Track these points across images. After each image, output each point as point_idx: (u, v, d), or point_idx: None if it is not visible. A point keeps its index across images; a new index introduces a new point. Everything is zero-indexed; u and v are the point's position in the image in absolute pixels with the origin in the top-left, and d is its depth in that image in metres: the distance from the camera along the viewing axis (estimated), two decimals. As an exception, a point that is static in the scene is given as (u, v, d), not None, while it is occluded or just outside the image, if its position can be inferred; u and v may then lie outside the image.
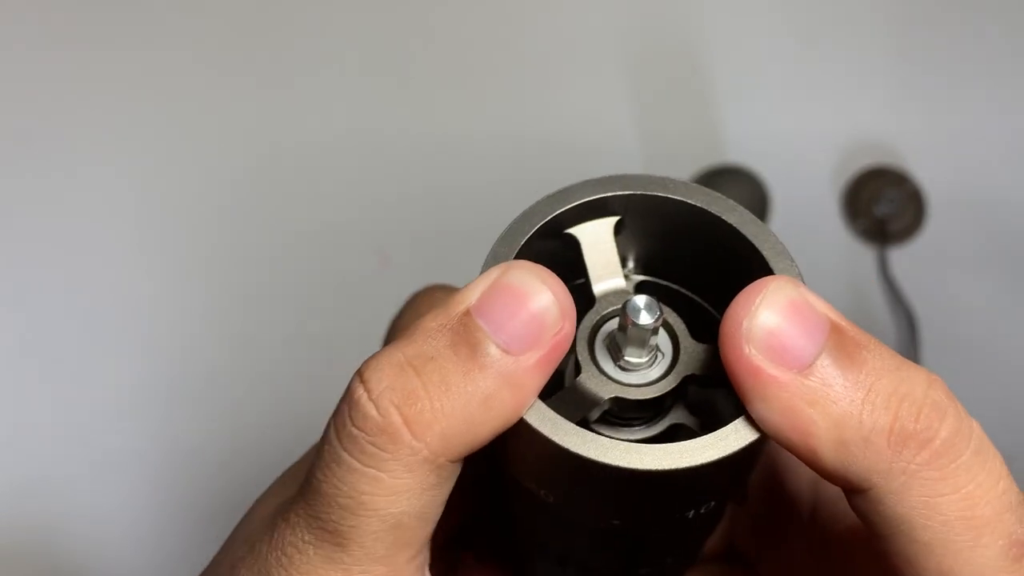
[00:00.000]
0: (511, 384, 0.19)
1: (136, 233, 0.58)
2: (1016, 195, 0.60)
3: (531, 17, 0.62)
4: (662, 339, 0.22)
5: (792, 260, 0.21)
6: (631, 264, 0.23)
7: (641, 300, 0.20)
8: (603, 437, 0.19)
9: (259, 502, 0.26)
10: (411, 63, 0.61)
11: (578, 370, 0.21)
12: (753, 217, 0.22)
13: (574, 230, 0.22)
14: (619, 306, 0.22)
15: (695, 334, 0.22)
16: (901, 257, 0.59)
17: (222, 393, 0.56)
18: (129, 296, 0.57)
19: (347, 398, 0.19)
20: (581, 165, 0.60)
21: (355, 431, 0.19)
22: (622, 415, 0.22)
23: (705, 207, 0.22)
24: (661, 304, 0.21)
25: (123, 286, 0.57)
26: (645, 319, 0.20)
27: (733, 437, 0.19)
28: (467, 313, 0.19)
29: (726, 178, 0.57)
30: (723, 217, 0.21)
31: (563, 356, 0.19)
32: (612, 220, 0.22)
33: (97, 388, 0.56)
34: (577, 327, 0.21)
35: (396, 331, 0.30)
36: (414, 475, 0.19)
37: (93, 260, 0.57)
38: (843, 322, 0.19)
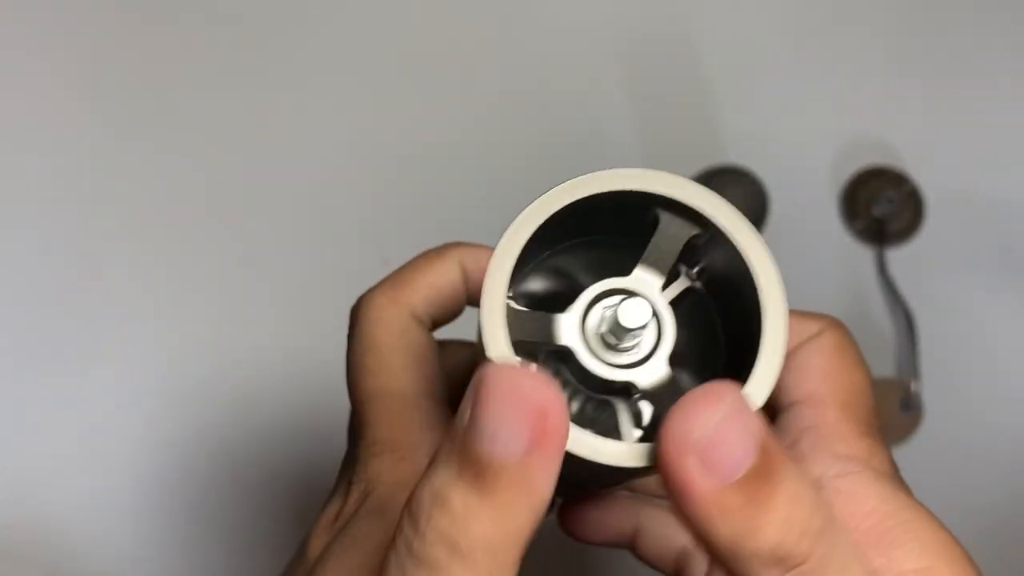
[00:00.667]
0: (525, 487, 0.20)
1: (136, 231, 0.58)
2: (1015, 195, 0.60)
3: (530, 18, 0.62)
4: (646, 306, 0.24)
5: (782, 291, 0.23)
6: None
7: (626, 315, 0.23)
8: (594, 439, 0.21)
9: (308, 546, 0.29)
10: (411, 63, 0.61)
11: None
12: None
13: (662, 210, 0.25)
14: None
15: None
16: (899, 257, 0.59)
17: (223, 393, 0.56)
18: (129, 295, 0.57)
19: (400, 523, 0.21)
20: (580, 165, 0.60)
21: (413, 558, 0.20)
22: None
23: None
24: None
25: (123, 285, 0.57)
26: (634, 321, 0.23)
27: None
28: (463, 433, 0.20)
29: (725, 178, 0.57)
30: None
31: (565, 435, 0.20)
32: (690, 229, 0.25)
33: (97, 388, 0.56)
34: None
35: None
36: None
37: (93, 259, 0.57)
38: (770, 443, 0.21)
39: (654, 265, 0.25)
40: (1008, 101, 0.62)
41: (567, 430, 0.20)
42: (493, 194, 0.59)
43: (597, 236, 0.27)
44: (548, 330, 0.24)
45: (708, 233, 0.24)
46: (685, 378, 0.26)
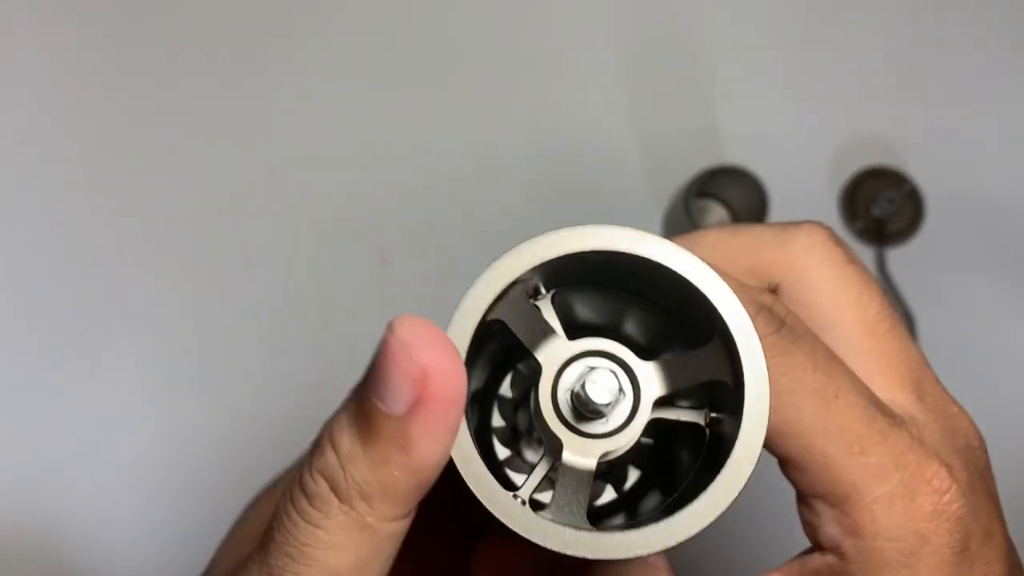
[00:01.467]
0: (402, 444, 0.21)
1: (136, 231, 0.58)
2: (1014, 195, 0.60)
3: (530, 18, 0.62)
4: (616, 368, 0.23)
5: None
6: (543, 289, 0.24)
7: (593, 386, 0.22)
8: (543, 522, 0.21)
9: (245, 519, 0.30)
10: (411, 64, 0.61)
11: (554, 443, 0.23)
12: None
13: (495, 314, 0.23)
14: (565, 362, 0.23)
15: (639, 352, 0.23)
16: (899, 257, 0.59)
17: (222, 393, 0.56)
18: (130, 295, 0.57)
19: (300, 470, 0.22)
20: (580, 165, 0.60)
21: (299, 494, 0.22)
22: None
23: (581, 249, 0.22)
24: (605, 352, 0.23)
25: (124, 284, 0.57)
26: (603, 395, 0.22)
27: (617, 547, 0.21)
28: (364, 382, 0.21)
29: (724, 178, 0.57)
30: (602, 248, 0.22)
31: (453, 403, 0.21)
32: (520, 286, 0.23)
33: (98, 388, 0.56)
34: (538, 398, 0.23)
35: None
36: (347, 533, 0.21)
37: (93, 258, 0.57)
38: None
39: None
40: (1007, 101, 0.62)
41: (455, 397, 0.20)
42: (493, 194, 0.59)
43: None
44: (578, 476, 0.23)
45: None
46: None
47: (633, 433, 0.23)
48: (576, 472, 0.23)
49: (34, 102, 0.59)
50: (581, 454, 0.23)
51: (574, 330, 0.24)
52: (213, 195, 0.59)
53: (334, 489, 0.21)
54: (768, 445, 0.24)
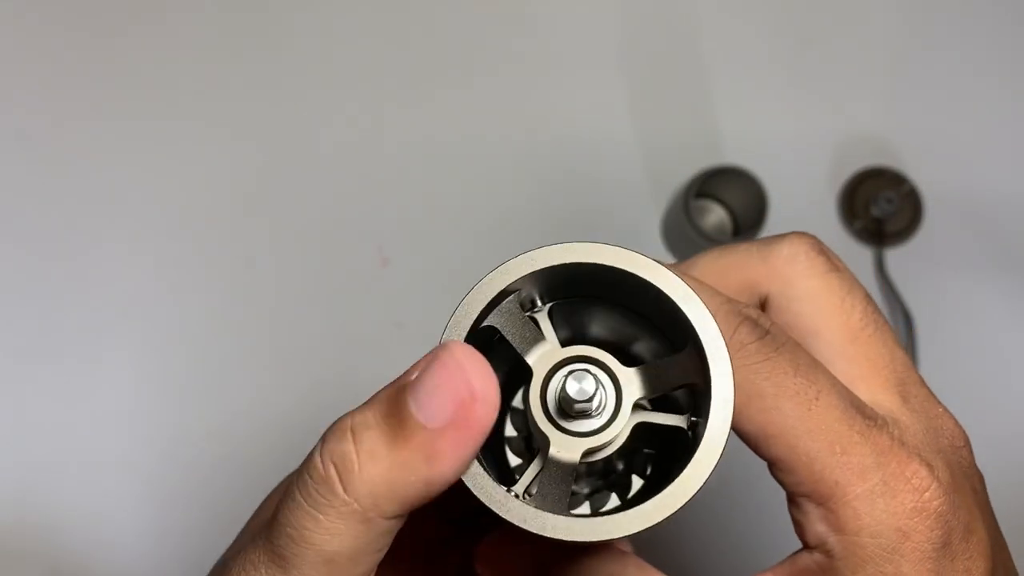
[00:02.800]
0: (430, 455, 0.22)
1: (137, 232, 0.58)
2: (1013, 195, 0.60)
3: (529, 18, 0.62)
4: (598, 372, 0.25)
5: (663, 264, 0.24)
6: (539, 302, 0.26)
7: (572, 386, 0.24)
8: (525, 508, 0.23)
9: (261, 507, 0.32)
10: (411, 64, 0.61)
11: (544, 442, 0.25)
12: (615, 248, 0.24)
13: (488, 321, 0.25)
14: (553, 366, 0.25)
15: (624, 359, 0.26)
16: (898, 257, 0.59)
17: (222, 392, 0.56)
18: (130, 295, 0.57)
19: (309, 456, 0.23)
20: (579, 166, 0.60)
21: (306, 477, 0.23)
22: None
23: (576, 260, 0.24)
24: (590, 358, 0.25)
25: (124, 285, 0.57)
26: (581, 394, 0.24)
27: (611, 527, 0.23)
28: (403, 388, 0.23)
29: (724, 178, 0.57)
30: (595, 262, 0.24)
31: (483, 432, 0.22)
32: (513, 296, 0.25)
33: (98, 388, 0.56)
34: (528, 399, 0.25)
35: None
36: (346, 522, 0.22)
37: (94, 259, 0.57)
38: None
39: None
40: (1006, 101, 0.62)
41: (487, 426, 0.22)
42: (493, 194, 0.59)
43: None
44: (562, 469, 0.25)
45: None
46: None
47: (614, 431, 0.25)
48: (561, 465, 0.25)
49: (35, 102, 0.60)
50: (566, 450, 0.25)
51: (570, 338, 0.27)
52: (213, 195, 0.59)
53: (343, 479, 0.22)
54: (756, 448, 0.26)
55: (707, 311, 0.23)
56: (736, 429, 0.26)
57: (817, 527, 0.25)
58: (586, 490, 0.32)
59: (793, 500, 0.26)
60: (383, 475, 0.22)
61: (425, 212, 0.59)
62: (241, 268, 0.58)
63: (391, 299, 0.58)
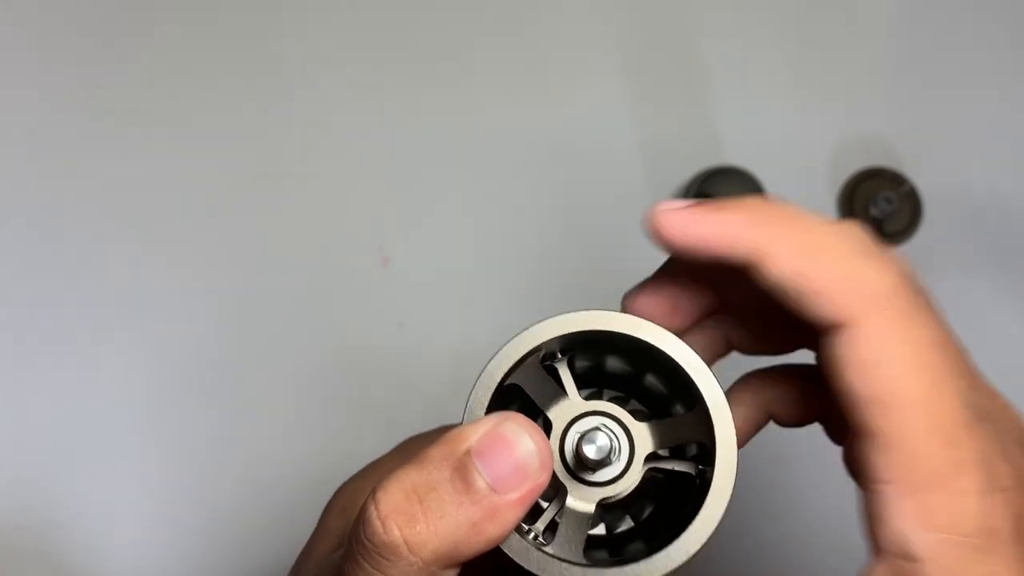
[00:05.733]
0: (494, 516, 0.24)
1: (137, 231, 0.58)
2: (1013, 195, 0.60)
3: (529, 18, 0.62)
4: (614, 428, 0.27)
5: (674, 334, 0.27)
6: (559, 354, 0.28)
7: (589, 447, 0.26)
8: (546, 560, 0.25)
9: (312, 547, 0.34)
10: (411, 63, 0.61)
11: (560, 490, 0.27)
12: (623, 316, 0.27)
13: (512, 379, 0.27)
14: (570, 421, 0.28)
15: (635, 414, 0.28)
16: (897, 257, 0.59)
17: (222, 392, 0.56)
18: (131, 295, 0.57)
19: (363, 512, 0.24)
20: (579, 165, 0.61)
21: (366, 542, 0.24)
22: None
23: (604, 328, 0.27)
24: (605, 413, 0.27)
25: (125, 285, 0.57)
26: (597, 452, 0.26)
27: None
28: (467, 452, 0.24)
29: (723, 179, 0.57)
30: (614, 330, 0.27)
31: (539, 495, 0.25)
32: (535, 356, 0.27)
33: (98, 387, 0.56)
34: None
35: (404, 452, 0.36)
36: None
37: (94, 259, 0.57)
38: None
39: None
40: (1005, 101, 0.62)
41: (543, 490, 0.25)
42: (492, 194, 0.60)
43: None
44: (578, 519, 0.28)
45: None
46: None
47: (628, 483, 0.27)
48: (577, 515, 0.27)
49: (36, 101, 0.60)
50: (582, 500, 0.27)
51: (588, 386, 0.30)
52: (213, 194, 0.59)
53: (407, 540, 0.24)
54: (854, 412, 0.24)
55: (714, 379, 0.26)
56: (845, 384, 0.24)
57: (899, 522, 0.23)
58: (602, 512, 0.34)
59: (873, 489, 0.24)
60: (449, 535, 0.24)
61: (425, 212, 0.59)
62: (242, 268, 0.58)
63: (391, 299, 0.58)
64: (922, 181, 0.59)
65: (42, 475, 0.55)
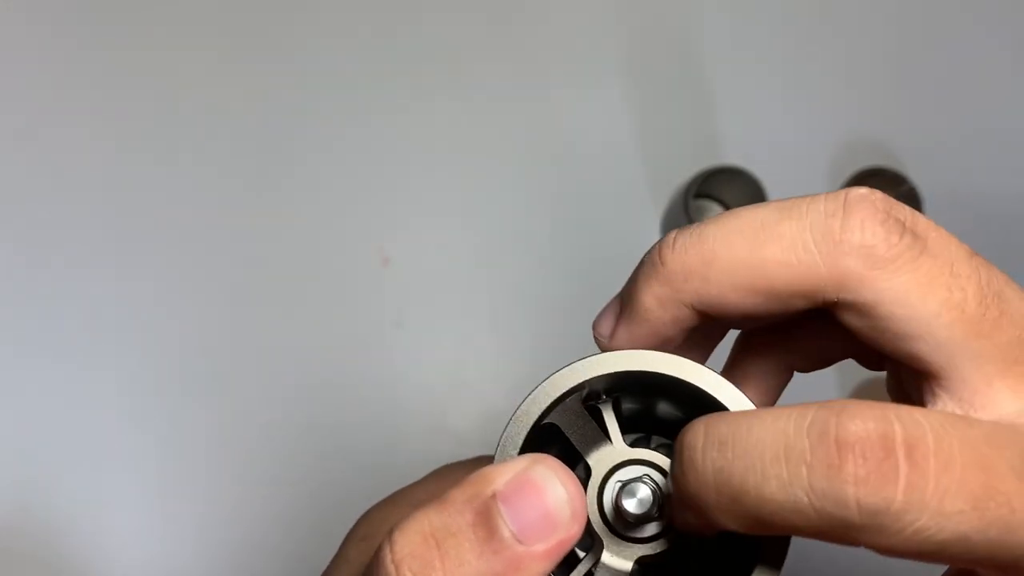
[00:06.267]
0: (517, 568, 0.21)
1: (137, 231, 0.58)
2: (1013, 195, 0.60)
3: (530, 19, 0.62)
4: (658, 479, 0.25)
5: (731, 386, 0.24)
6: (603, 395, 0.26)
7: (630, 501, 0.24)
8: None
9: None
10: (410, 63, 0.61)
11: (596, 543, 0.25)
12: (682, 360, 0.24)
13: (549, 418, 0.25)
14: (611, 468, 0.25)
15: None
16: (897, 257, 0.59)
17: (223, 391, 0.56)
18: (130, 295, 0.57)
19: (377, 553, 0.22)
20: (579, 165, 0.61)
21: (385, 556, 0.22)
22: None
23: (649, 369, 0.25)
24: (650, 462, 0.25)
25: (124, 285, 0.57)
26: (638, 507, 0.24)
27: None
28: (493, 496, 0.22)
29: (723, 179, 0.57)
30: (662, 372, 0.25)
31: (569, 548, 0.22)
32: (577, 395, 0.25)
33: (98, 387, 0.56)
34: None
35: (437, 480, 0.33)
36: None
37: (95, 258, 0.57)
38: None
39: (594, 444, 0.25)
40: (1005, 102, 0.62)
41: (576, 541, 0.22)
42: (492, 194, 0.60)
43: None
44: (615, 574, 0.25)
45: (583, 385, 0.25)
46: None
47: (671, 542, 0.24)
48: (613, 573, 0.25)
49: (36, 101, 0.60)
50: (619, 556, 0.25)
51: (635, 431, 0.27)
52: (212, 194, 0.59)
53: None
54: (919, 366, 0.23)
55: None
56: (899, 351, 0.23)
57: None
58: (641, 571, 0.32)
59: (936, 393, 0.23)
60: None
61: (425, 212, 0.59)
62: (241, 268, 0.58)
63: (391, 299, 0.58)
64: (922, 181, 0.59)
65: (40, 476, 0.55)
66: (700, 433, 0.21)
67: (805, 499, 0.20)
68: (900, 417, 0.20)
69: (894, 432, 0.20)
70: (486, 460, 0.25)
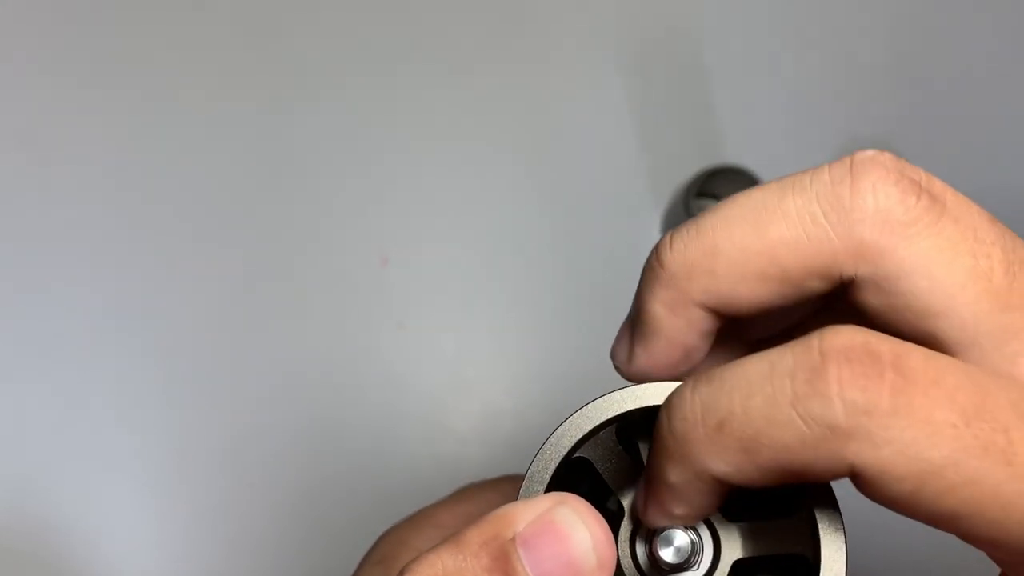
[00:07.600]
0: None
1: (138, 231, 0.58)
2: (1013, 195, 0.60)
3: (529, 18, 0.62)
4: (698, 525, 0.23)
5: None
6: (640, 430, 0.24)
7: (667, 551, 0.22)
8: None
9: None
10: (409, 62, 0.61)
11: None
12: None
13: (581, 452, 0.23)
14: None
15: (724, 512, 0.23)
16: (898, 257, 0.59)
17: (223, 392, 0.56)
18: (131, 295, 0.57)
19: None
20: (578, 165, 0.60)
21: None
22: None
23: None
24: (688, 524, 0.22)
25: (123, 286, 0.57)
26: (676, 555, 0.22)
27: None
28: (512, 540, 0.20)
29: (724, 178, 0.57)
30: None
31: None
32: (612, 428, 0.23)
33: (98, 388, 0.56)
34: (616, 542, 0.22)
35: (461, 501, 0.31)
36: None
37: (95, 258, 0.57)
38: None
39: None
40: (1006, 102, 0.62)
41: None
42: (492, 193, 0.60)
43: None
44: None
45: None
46: None
47: None
48: None
49: (36, 101, 0.60)
50: None
51: None
52: (211, 195, 0.59)
53: None
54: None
55: (830, 491, 0.21)
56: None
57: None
58: None
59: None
60: None
61: (425, 212, 0.59)
62: (241, 267, 0.58)
63: (391, 299, 0.58)
64: (923, 181, 0.59)
65: (39, 476, 0.55)
66: (689, 382, 0.20)
67: (789, 408, 0.18)
68: (888, 338, 0.19)
69: (880, 347, 0.18)
70: (513, 481, 0.24)
